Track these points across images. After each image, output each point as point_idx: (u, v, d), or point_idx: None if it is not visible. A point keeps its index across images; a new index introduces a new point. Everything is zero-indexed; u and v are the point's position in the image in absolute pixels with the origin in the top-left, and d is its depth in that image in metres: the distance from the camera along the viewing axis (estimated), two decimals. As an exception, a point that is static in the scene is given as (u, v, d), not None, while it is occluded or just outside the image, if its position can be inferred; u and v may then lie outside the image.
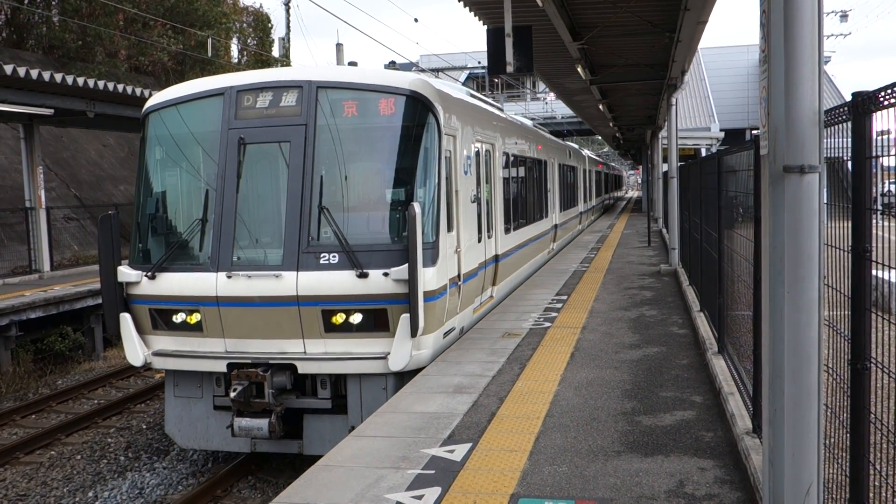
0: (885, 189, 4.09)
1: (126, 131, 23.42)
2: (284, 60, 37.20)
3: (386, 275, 7.72)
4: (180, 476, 8.91)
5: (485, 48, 10.48)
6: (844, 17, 50.25)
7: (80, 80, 14.63)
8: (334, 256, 7.88)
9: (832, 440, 3.81)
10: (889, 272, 3.15)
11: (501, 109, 14.51)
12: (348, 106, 8.22)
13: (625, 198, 78.03)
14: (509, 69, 10.10)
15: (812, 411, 3.40)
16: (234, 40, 37.94)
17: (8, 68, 12.99)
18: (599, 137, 59.91)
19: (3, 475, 9.31)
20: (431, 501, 4.81)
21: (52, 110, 15.36)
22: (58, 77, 14.09)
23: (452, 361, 8.34)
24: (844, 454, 3.50)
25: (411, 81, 8.37)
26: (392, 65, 26.03)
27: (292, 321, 7.94)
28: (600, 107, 25.40)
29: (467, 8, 12.74)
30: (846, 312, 3.38)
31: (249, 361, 8.01)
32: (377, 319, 7.89)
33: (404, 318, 7.68)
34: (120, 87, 15.73)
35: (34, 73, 13.55)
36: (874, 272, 3.29)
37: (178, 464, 9.30)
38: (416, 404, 6.85)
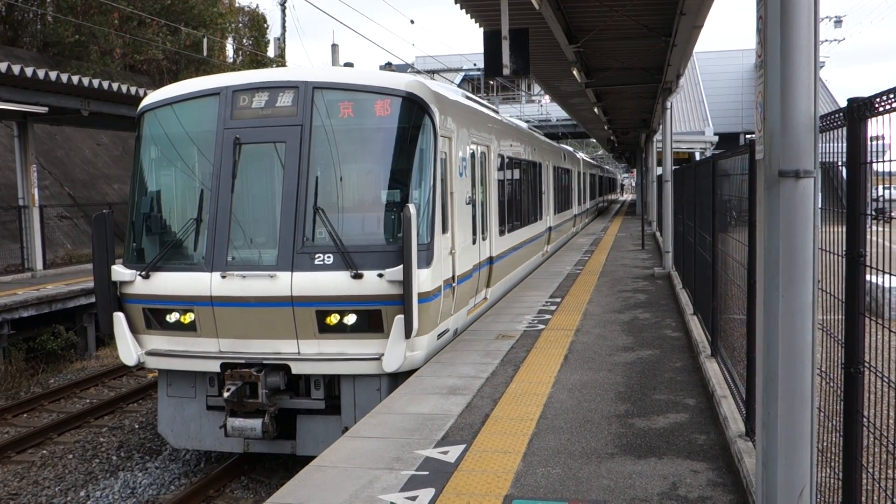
0: (877, 194, 4.11)
1: (121, 130, 23.35)
2: (280, 61, 37.15)
3: (381, 276, 7.72)
4: (172, 476, 8.89)
5: (480, 50, 10.50)
6: (838, 22, 50.49)
7: (75, 79, 14.57)
8: (329, 257, 7.88)
9: (825, 443, 3.83)
10: (883, 277, 3.17)
11: (497, 111, 14.52)
12: (344, 107, 8.22)
13: (619, 201, 78.14)
14: (506, 71, 10.12)
15: (805, 414, 3.42)
16: (230, 40, 37.89)
17: (2, 66, 12.94)
18: (594, 140, 60.06)
19: (-5, 474, 9.28)
20: (425, 502, 4.82)
21: (47, 108, 15.31)
22: (52, 75, 14.04)
23: (446, 363, 8.35)
24: (837, 457, 3.52)
25: (407, 83, 8.37)
26: (388, 66, 26.03)
27: (286, 322, 7.93)
28: (595, 110, 25.47)
29: (464, 10, 12.77)
30: (840, 316, 3.40)
31: (243, 361, 8.00)
32: (371, 320, 7.89)
33: (398, 320, 7.69)
34: (115, 85, 15.68)
35: (29, 71, 13.49)
36: (868, 277, 3.30)
37: (171, 464, 9.28)
38: (410, 405, 6.86)
